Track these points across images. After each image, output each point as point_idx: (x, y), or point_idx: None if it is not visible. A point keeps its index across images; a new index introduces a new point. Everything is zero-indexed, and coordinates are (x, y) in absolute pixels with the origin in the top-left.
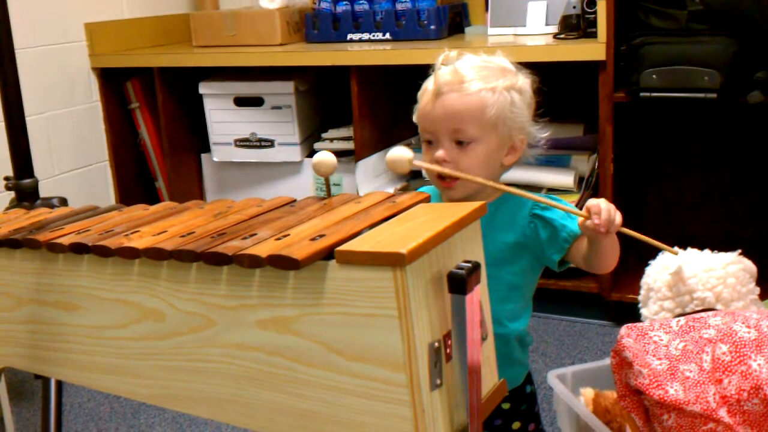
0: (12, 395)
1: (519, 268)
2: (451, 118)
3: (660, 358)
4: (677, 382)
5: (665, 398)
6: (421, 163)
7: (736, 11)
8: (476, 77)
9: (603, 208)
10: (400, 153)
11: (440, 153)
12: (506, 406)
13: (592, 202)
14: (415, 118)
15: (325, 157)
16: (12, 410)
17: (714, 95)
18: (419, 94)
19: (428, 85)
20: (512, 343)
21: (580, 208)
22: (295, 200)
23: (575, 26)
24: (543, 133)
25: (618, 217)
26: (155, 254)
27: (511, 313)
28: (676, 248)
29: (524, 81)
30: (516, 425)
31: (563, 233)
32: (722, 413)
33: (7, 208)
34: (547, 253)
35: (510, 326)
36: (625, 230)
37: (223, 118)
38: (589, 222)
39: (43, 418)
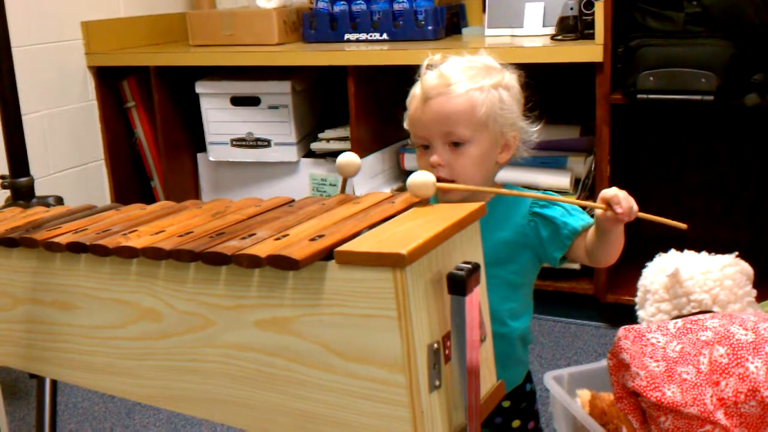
0: (6, 394)
1: (519, 266)
2: (442, 121)
3: (657, 360)
4: (674, 384)
5: (662, 400)
6: (443, 184)
7: (735, 15)
8: (462, 78)
9: (622, 197)
10: (423, 177)
11: (435, 158)
12: (506, 404)
13: (609, 193)
14: (406, 125)
15: (350, 158)
16: (6, 409)
17: (711, 98)
18: (408, 100)
19: (416, 90)
20: (515, 342)
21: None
22: (293, 200)
23: (572, 28)
24: (534, 128)
25: (635, 203)
26: (153, 254)
27: (513, 312)
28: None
29: (510, 77)
30: (516, 423)
31: (565, 230)
32: (719, 415)
33: (3, 207)
34: (548, 251)
35: (512, 325)
36: (642, 214)
37: (220, 118)
38: (610, 213)
39: (37, 417)
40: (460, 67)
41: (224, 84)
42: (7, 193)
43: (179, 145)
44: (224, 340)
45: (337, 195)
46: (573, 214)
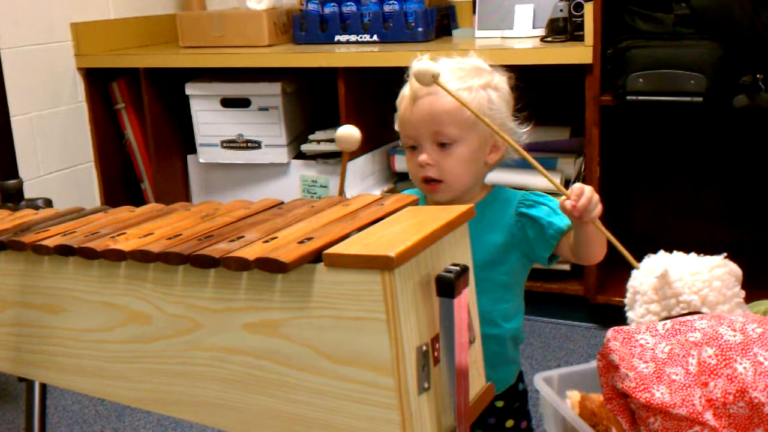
0: None
1: (510, 267)
2: (430, 120)
3: (646, 361)
4: (663, 385)
5: (651, 401)
6: (445, 86)
7: (724, 16)
8: (452, 78)
9: (585, 194)
10: (428, 65)
11: (423, 157)
12: (500, 404)
13: (577, 185)
14: (396, 126)
15: (350, 130)
16: None
17: (700, 99)
18: (397, 101)
19: (405, 91)
20: (507, 343)
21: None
22: (282, 202)
23: (562, 29)
24: (523, 129)
25: (597, 209)
26: (142, 256)
27: (505, 313)
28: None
29: (500, 79)
30: (509, 423)
31: (550, 230)
32: (708, 416)
33: None
34: (536, 250)
35: (505, 326)
36: (598, 224)
37: (210, 119)
38: (567, 203)
39: (26, 421)
40: (450, 68)
41: (214, 86)
42: None
43: (169, 147)
44: (213, 343)
45: (326, 197)
46: (558, 214)
